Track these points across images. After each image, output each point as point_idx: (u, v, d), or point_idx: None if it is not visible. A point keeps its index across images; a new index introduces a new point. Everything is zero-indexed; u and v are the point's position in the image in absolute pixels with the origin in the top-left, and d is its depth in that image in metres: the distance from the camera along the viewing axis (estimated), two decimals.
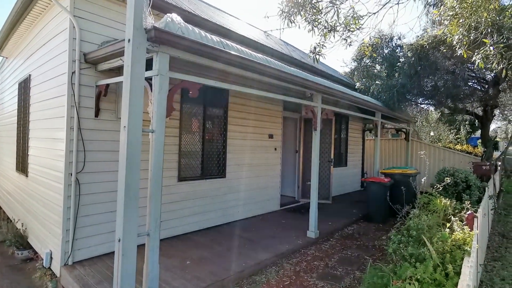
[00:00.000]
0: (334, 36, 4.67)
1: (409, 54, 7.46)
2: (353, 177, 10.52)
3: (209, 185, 5.49)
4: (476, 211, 3.54)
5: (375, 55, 8.64)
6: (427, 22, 7.65)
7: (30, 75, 5.17)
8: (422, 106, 11.22)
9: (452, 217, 3.53)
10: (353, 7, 4.15)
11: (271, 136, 6.88)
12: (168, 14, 3.12)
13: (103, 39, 4.01)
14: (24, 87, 5.41)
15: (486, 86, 9.39)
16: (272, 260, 4.21)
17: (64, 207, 3.73)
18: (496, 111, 10.98)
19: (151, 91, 2.91)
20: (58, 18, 4.13)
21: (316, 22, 4.51)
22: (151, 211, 2.82)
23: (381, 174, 7.54)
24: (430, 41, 6.95)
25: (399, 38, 9.67)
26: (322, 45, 4.71)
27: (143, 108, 2.68)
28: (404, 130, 10.76)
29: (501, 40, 3.94)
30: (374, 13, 4.36)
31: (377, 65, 8.53)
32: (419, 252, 2.83)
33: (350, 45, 4.85)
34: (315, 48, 4.66)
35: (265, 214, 6.57)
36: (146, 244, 2.81)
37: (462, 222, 3.32)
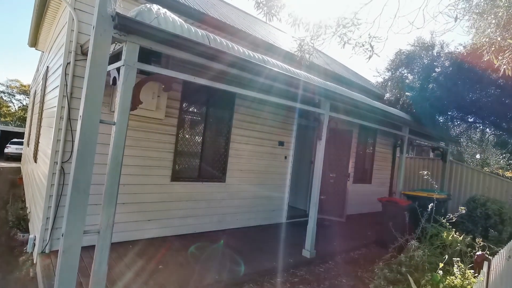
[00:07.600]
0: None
1: (446, 64, 6.60)
2: (378, 196, 9.61)
3: (206, 189, 5.28)
4: (496, 252, 2.84)
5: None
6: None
7: (47, 67, 5.46)
8: (466, 124, 9.98)
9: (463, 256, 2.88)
10: None
11: (281, 144, 6.50)
12: (147, 4, 3.00)
13: None
14: (44, 79, 5.74)
15: None
16: (251, 276, 3.83)
17: (46, 195, 3.77)
18: None
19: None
20: (65, 12, 4.27)
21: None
22: (104, 209, 2.66)
23: (403, 195, 6.74)
24: (470, 48, 6.07)
25: (442, 47, 8.69)
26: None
27: (102, 98, 2.56)
28: (441, 149, 9.62)
29: None
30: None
31: (409, 74, 7.73)
32: None
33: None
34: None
35: (267, 225, 6.17)
36: (96, 243, 2.65)
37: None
